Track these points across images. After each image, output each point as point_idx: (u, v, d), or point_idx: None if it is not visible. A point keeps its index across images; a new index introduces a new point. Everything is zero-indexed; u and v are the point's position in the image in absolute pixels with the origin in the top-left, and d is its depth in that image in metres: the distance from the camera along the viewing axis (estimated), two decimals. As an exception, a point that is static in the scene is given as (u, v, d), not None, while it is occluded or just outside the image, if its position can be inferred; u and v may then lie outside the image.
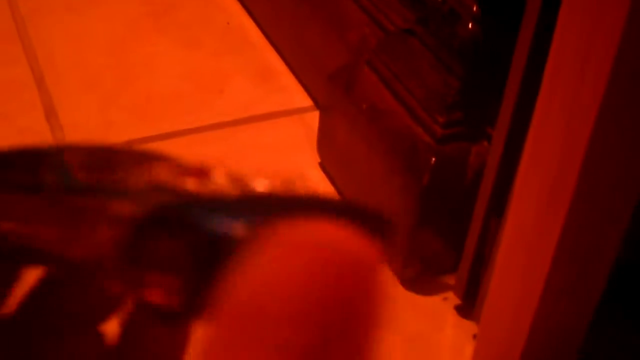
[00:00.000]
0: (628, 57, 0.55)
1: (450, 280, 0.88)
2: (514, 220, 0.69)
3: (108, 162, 0.22)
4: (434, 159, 0.82)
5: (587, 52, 0.55)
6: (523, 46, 0.69)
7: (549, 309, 0.69)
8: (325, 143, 1.01)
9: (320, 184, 1.00)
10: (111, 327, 0.25)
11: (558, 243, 0.64)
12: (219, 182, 0.20)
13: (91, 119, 1.09)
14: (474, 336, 0.83)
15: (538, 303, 0.69)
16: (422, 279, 0.89)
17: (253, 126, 1.09)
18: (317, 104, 1.10)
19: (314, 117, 1.04)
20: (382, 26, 0.98)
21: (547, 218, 0.65)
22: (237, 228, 0.19)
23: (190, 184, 0.20)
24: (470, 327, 0.85)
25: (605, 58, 0.54)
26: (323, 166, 1.02)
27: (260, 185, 0.20)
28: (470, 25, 0.78)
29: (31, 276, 0.24)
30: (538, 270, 0.67)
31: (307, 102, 1.12)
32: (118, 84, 1.15)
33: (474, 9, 0.78)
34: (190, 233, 0.19)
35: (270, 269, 0.16)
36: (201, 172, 0.20)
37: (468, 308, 0.86)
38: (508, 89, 0.72)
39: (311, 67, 1.12)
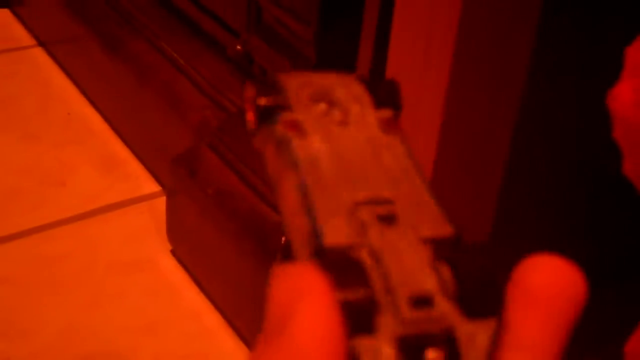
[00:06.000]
0: None
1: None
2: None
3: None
4: (284, 239, 0.81)
5: None
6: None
7: None
8: (175, 229, 0.98)
9: (172, 272, 0.97)
10: None
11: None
12: None
13: None
14: None
15: None
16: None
17: (100, 218, 1.05)
18: (166, 190, 1.08)
19: (163, 203, 1.02)
20: (223, 107, 0.97)
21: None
22: None
23: None
24: None
25: None
26: (175, 253, 0.99)
27: None
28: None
29: None
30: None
31: (154, 187, 1.10)
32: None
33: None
34: None
35: None
36: None
37: None
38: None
39: (156, 153, 1.10)
